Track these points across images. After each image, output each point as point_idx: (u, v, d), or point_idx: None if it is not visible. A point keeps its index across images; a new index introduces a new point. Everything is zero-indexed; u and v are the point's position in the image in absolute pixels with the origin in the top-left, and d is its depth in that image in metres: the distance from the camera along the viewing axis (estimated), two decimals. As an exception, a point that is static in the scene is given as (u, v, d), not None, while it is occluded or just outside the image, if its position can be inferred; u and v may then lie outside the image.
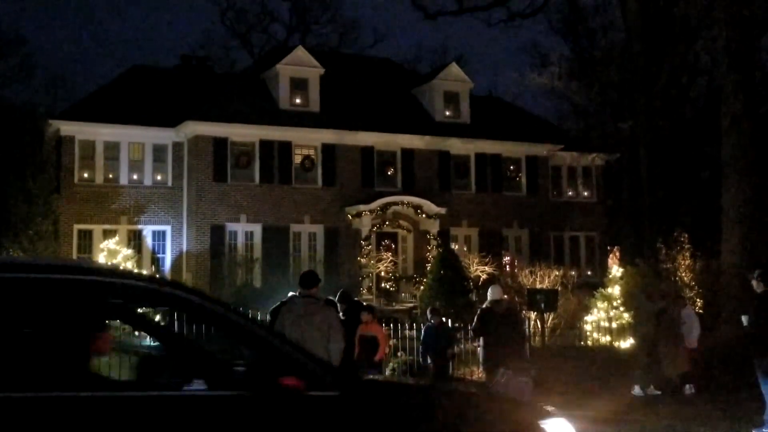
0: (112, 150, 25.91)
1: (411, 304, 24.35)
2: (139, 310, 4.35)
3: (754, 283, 9.84)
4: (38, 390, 3.23)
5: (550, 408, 4.26)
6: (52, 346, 3.43)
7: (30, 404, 3.20)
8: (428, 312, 14.18)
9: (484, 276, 24.00)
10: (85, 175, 25.60)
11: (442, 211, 27.71)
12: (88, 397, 3.30)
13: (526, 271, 21.02)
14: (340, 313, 10.10)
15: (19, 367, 3.32)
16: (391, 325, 16.21)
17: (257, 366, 3.69)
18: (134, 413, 3.36)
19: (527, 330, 15.26)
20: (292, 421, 3.52)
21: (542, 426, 3.94)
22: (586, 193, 31.97)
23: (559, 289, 18.67)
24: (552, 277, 20.17)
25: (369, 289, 26.16)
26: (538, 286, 19.10)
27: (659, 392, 13.02)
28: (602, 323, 17.98)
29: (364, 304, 13.57)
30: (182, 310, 4.24)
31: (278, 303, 10.31)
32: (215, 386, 3.52)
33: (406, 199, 27.53)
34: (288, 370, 3.60)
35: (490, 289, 12.48)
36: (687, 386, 13.07)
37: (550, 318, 17.46)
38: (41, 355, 3.40)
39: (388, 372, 13.84)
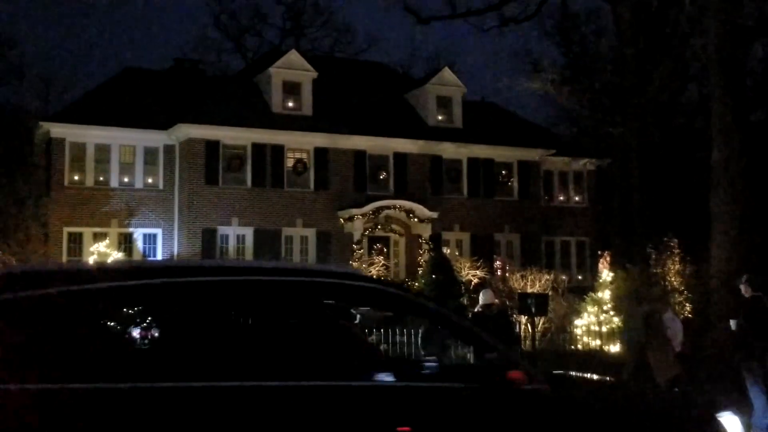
0: (103, 152, 25.84)
1: (402, 309, 24.31)
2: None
3: (742, 287, 9.90)
4: (263, 380, 3.55)
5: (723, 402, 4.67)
6: (272, 341, 3.74)
7: (269, 392, 3.54)
8: None
9: (475, 280, 24.03)
10: (76, 177, 25.52)
11: (434, 215, 27.74)
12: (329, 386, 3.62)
13: (518, 275, 21.09)
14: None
15: (250, 361, 3.63)
16: (381, 330, 16.18)
17: (485, 361, 3.97)
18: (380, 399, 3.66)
19: (518, 334, 15.28)
20: (515, 411, 3.78)
21: (719, 419, 4.24)
22: (577, 198, 32.06)
23: (550, 293, 18.72)
24: (543, 282, 20.24)
25: (360, 293, 26.12)
26: (529, 290, 19.14)
27: (648, 397, 13.04)
28: (592, 327, 18.03)
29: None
30: (404, 311, 4.60)
31: None
32: (403, 378, 3.80)
33: (399, 203, 27.55)
34: (508, 364, 3.85)
35: (481, 294, 12.50)
36: (674, 390, 13.09)
37: (540, 322, 17.49)
38: (260, 349, 3.71)
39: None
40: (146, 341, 3.76)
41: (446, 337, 11.46)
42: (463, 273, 24.30)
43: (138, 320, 3.79)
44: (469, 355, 12.80)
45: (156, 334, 3.75)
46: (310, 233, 27.12)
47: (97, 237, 24.67)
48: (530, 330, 16.73)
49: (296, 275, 3.98)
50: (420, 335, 12.44)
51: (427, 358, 3.96)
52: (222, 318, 3.85)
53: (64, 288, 3.55)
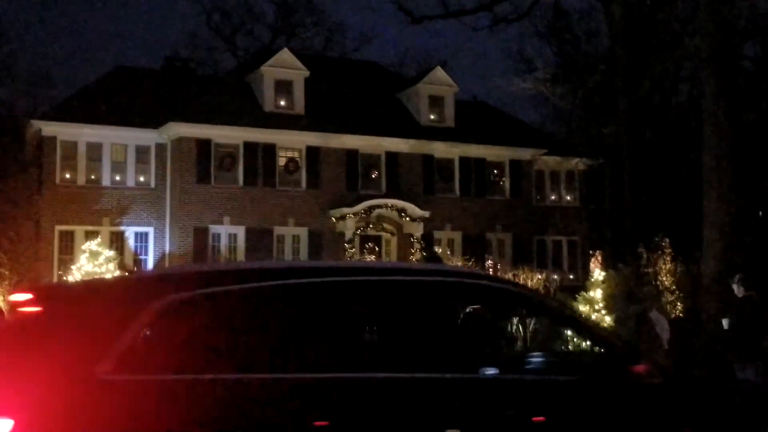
0: (95, 151, 25.74)
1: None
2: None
3: (735, 287, 9.95)
4: (404, 372, 3.73)
5: None
6: (423, 337, 3.95)
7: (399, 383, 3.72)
8: None
9: (467, 279, 24.02)
10: (67, 175, 25.42)
11: (426, 214, 27.75)
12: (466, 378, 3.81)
13: (510, 275, 21.10)
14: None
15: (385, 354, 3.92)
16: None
17: (603, 355, 4.15)
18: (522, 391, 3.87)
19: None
20: (641, 403, 3.93)
21: None
22: (569, 198, 32.12)
23: (542, 292, 18.73)
24: (535, 281, 20.26)
25: (352, 292, 26.09)
26: (521, 289, 19.14)
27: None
28: (584, 327, 18.04)
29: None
30: (531, 313, 4.90)
31: None
32: (506, 371, 4.04)
33: (390, 202, 27.55)
34: (632, 359, 4.06)
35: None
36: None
37: (532, 322, 17.50)
38: (414, 344, 3.91)
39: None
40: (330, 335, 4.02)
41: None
42: (455, 272, 24.30)
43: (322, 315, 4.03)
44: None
45: (339, 329, 4.06)
46: (302, 232, 27.08)
47: (89, 235, 24.51)
48: (521, 330, 16.74)
49: (435, 276, 4.23)
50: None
51: (541, 353, 4.16)
52: (378, 314, 4.16)
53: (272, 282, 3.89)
